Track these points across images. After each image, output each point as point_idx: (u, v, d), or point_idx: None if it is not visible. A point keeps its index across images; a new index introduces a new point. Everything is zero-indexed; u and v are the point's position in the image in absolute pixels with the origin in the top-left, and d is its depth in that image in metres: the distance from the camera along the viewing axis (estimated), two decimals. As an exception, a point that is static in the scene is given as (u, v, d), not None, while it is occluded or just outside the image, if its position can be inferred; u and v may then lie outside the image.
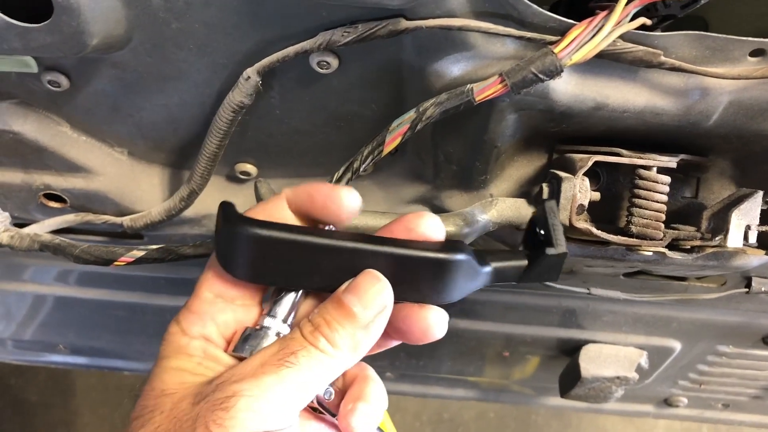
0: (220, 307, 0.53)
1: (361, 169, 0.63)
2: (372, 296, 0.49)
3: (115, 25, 0.58)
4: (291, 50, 0.60)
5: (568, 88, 0.60)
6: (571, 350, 1.05)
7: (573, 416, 2.67)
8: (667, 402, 1.20)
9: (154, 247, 0.64)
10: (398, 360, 1.14)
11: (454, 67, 0.60)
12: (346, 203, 0.52)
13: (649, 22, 0.57)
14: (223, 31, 0.59)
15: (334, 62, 0.62)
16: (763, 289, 0.84)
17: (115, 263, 0.65)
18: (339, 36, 0.57)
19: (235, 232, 0.49)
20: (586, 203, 0.65)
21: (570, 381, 1.03)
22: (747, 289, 0.85)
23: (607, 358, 1.01)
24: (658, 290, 0.88)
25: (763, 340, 1.02)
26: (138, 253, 0.64)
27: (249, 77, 0.62)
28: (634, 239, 0.66)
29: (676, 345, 1.03)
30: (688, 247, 0.68)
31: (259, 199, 0.62)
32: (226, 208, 0.51)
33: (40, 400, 2.61)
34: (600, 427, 2.64)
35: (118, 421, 2.61)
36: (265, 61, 0.61)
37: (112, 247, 0.65)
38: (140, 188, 0.80)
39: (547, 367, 1.14)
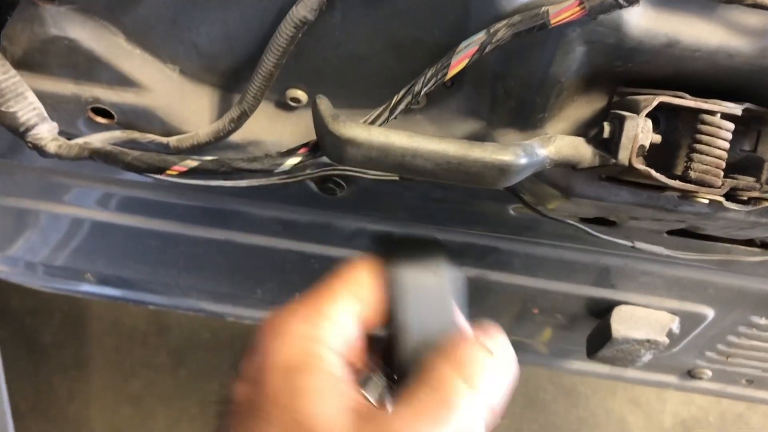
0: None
1: (423, 92, 0.62)
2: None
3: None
4: (361, -36, 0.59)
5: (641, 22, 0.59)
6: (601, 311, 1.05)
7: (581, 396, 2.67)
8: (691, 374, 1.20)
9: (209, 158, 0.64)
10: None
11: (526, -9, 0.59)
12: None
13: (733, -46, 0.56)
14: (293, -60, 0.58)
15: (403, -19, 0.61)
16: (809, 255, 0.83)
17: (168, 171, 0.64)
18: (412, -50, 0.56)
19: None
20: (647, 144, 0.63)
21: (599, 341, 1.03)
22: (793, 254, 0.84)
23: (639, 320, 1.00)
24: (701, 251, 0.87)
25: (799, 312, 1.01)
26: (192, 163, 0.64)
27: (315, -10, 0.61)
28: (692, 185, 0.64)
29: (710, 312, 1.02)
30: (745, 198, 0.67)
31: (317, 113, 0.61)
32: None
33: (54, 341, 2.64)
34: (608, 409, 2.64)
35: (128, 368, 2.64)
36: (334, -26, 0.60)
37: (165, 155, 0.64)
38: (189, 108, 0.79)
39: (572, 329, 1.13)
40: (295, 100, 0.78)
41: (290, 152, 0.64)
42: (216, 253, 1.06)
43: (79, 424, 2.55)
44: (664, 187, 0.65)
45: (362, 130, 0.60)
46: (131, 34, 0.73)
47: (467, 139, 0.76)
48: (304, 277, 1.09)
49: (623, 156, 0.63)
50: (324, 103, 0.61)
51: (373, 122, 0.64)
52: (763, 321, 1.02)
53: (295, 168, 0.65)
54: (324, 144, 0.62)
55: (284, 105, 0.80)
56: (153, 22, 0.70)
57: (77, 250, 1.11)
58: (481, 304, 1.10)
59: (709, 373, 1.18)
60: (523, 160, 0.62)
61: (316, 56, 0.72)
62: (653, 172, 0.64)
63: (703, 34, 0.60)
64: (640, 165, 0.63)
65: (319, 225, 0.97)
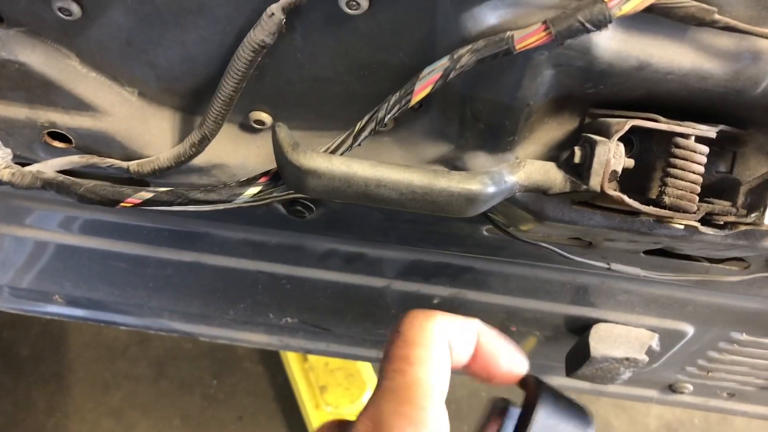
0: None
1: (386, 119, 0.60)
2: None
3: (135, -53, 0.54)
4: (320, -14, 0.56)
5: (611, 44, 0.57)
6: (579, 329, 1.03)
7: (566, 401, 2.65)
8: (672, 388, 1.18)
9: (164, 189, 0.61)
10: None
11: (491, 15, 0.56)
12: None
13: (704, -24, 0.54)
14: (249, -38, 0.56)
15: (365, 3, 0.58)
16: (787, 274, 0.81)
17: (122, 204, 0.61)
18: (372, -27, 0.54)
19: None
20: (619, 169, 0.61)
21: (578, 360, 1.01)
22: (772, 274, 0.82)
23: (617, 338, 0.98)
24: (679, 270, 0.85)
25: (779, 329, 0.99)
26: (146, 195, 0.61)
27: (273, 14, 0.58)
28: (667, 210, 0.63)
29: (689, 329, 1.00)
30: (721, 222, 0.65)
31: (277, 143, 0.59)
32: None
33: (33, 354, 2.60)
34: (594, 413, 2.62)
35: (109, 379, 2.60)
36: (292, -3, 0.58)
37: (119, 187, 0.62)
38: (149, 132, 0.76)
39: (551, 345, 1.11)
40: (259, 122, 0.76)
41: (249, 182, 0.62)
42: (186, 274, 1.03)
43: (59, 438, 2.51)
44: (638, 212, 0.63)
45: (323, 160, 0.57)
46: (85, 57, 0.70)
47: (436, 161, 0.75)
48: (277, 298, 1.07)
49: (595, 182, 0.61)
50: (283, 132, 0.59)
51: (336, 149, 0.61)
52: (743, 337, 1.01)
53: (255, 198, 0.62)
54: (284, 174, 0.60)
55: (248, 127, 0.77)
56: (107, 45, 0.68)
57: (43, 273, 1.08)
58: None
59: (690, 387, 1.16)
60: (491, 189, 0.60)
61: (279, 78, 0.70)
62: (626, 198, 0.62)
63: (675, 56, 0.58)
64: (612, 191, 0.61)
65: (289, 246, 0.94)
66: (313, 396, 2.34)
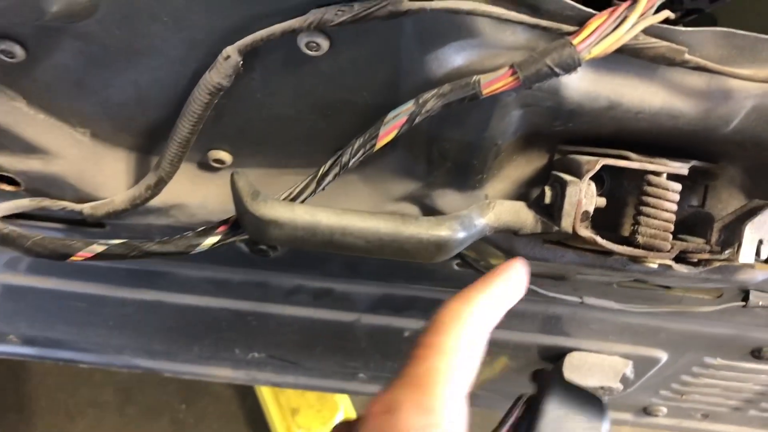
0: None
1: (351, 163, 0.57)
2: None
3: (79, -10, 0.51)
4: (277, 29, 0.54)
5: (580, 85, 0.55)
6: (553, 357, 1.01)
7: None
8: (646, 411, 1.17)
9: (116, 242, 0.58)
10: (372, 361, 1.09)
11: (457, 56, 0.54)
12: None
13: (673, 15, 0.52)
14: (202, 4, 0.53)
15: (325, 44, 0.56)
16: (760, 303, 0.80)
17: (72, 258, 0.58)
18: (332, 15, 0.52)
19: None
20: (591, 210, 0.60)
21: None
22: (744, 303, 0.81)
23: (591, 366, 0.97)
24: (652, 300, 0.84)
25: (751, 353, 0.98)
26: (98, 248, 0.58)
27: (229, 56, 0.56)
28: (640, 250, 0.61)
29: (663, 355, 0.99)
30: (695, 260, 0.64)
31: (235, 192, 0.56)
32: None
33: (-8, 384, 2.52)
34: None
35: (73, 407, 2.53)
36: (248, 39, 0.55)
37: (68, 240, 0.58)
38: (103, 173, 0.73)
39: (525, 374, 1.09)
40: (219, 161, 0.73)
41: (207, 231, 0.59)
42: (147, 313, 1.00)
43: (22, 471, 2.43)
44: (611, 252, 0.62)
45: (285, 209, 0.55)
46: (32, 99, 0.66)
47: (404, 199, 0.73)
48: (243, 333, 1.04)
49: (566, 223, 0.59)
50: (242, 180, 0.56)
51: (299, 195, 0.59)
52: (716, 361, 1.00)
53: (214, 247, 0.59)
54: (244, 223, 0.57)
55: (208, 166, 0.74)
56: (55, 87, 0.64)
57: (-6, 314, 1.04)
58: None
59: (665, 410, 1.16)
60: (461, 234, 0.58)
61: (238, 118, 0.67)
62: (598, 239, 0.60)
63: (645, 96, 0.56)
64: (584, 232, 0.60)
65: (254, 283, 0.91)
66: (284, 418, 2.30)
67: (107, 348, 1.11)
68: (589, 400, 0.61)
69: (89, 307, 0.99)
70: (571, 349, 0.98)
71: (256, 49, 0.56)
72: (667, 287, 0.81)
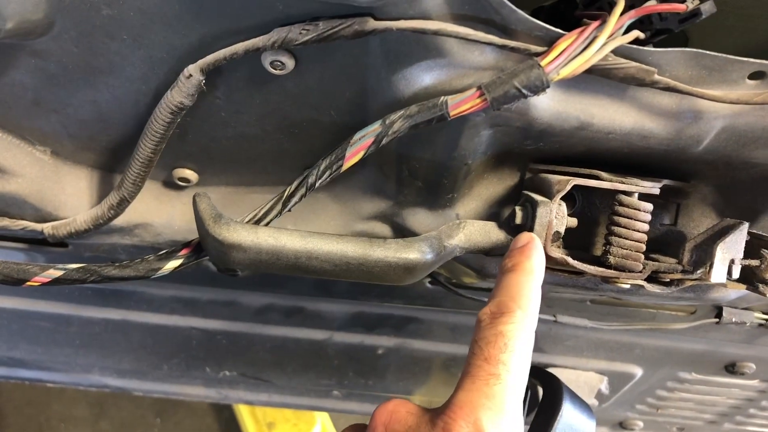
0: None
1: (317, 184, 0.56)
2: None
3: (33, 8, 0.49)
4: (240, 47, 0.52)
5: (550, 105, 0.54)
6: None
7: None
8: (623, 425, 1.17)
9: (74, 266, 0.56)
10: (346, 379, 1.07)
11: (425, 76, 0.53)
12: None
13: (642, 35, 0.52)
14: (162, 22, 0.51)
15: (290, 63, 0.54)
16: (733, 319, 0.80)
17: (28, 283, 0.56)
18: (296, 34, 0.50)
19: None
20: (562, 230, 0.59)
21: (528, 407, 0.98)
22: (717, 320, 0.81)
23: (567, 383, 0.96)
24: (626, 317, 0.83)
25: (725, 368, 0.98)
26: (55, 273, 0.56)
27: (191, 75, 0.54)
28: (612, 270, 0.60)
29: (638, 371, 0.99)
30: (667, 279, 0.63)
31: (197, 214, 0.54)
32: None
33: (-41, 400, 2.46)
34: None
35: (45, 422, 2.48)
36: (210, 58, 0.53)
37: (24, 264, 0.56)
38: (65, 192, 0.71)
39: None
40: (184, 179, 0.71)
41: (169, 255, 0.57)
42: (114, 332, 0.97)
43: (-9, 489, 2.37)
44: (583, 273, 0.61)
45: (248, 233, 0.53)
46: (-12, 117, 0.64)
47: (374, 218, 0.71)
48: (213, 352, 1.02)
49: (537, 244, 0.58)
50: (204, 203, 0.54)
51: (264, 216, 0.57)
52: (691, 376, 1.00)
53: (177, 271, 0.58)
54: (207, 247, 0.55)
55: (173, 184, 0.72)
56: (12, 104, 0.62)
57: (-45, 334, 1.01)
58: (405, 371, 1.04)
59: (641, 424, 1.15)
60: (429, 257, 0.56)
61: (203, 136, 0.65)
62: (570, 260, 0.59)
63: (616, 116, 0.55)
64: (555, 253, 0.59)
65: (223, 302, 0.89)
66: (260, 432, 2.27)
67: (75, 367, 1.09)
68: (586, 406, 0.65)
69: (54, 326, 0.97)
70: (546, 365, 0.97)
71: (219, 68, 0.54)
72: (643, 306, 0.81)
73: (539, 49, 0.50)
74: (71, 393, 2.53)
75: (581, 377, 0.97)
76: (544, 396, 0.70)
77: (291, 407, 1.18)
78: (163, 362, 1.05)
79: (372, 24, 0.49)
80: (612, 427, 1.18)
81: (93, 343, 1.00)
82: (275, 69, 0.55)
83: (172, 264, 0.57)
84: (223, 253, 0.53)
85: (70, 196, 0.72)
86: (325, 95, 0.59)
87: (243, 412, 2.32)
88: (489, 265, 0.67)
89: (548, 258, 0.59)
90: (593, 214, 0.67)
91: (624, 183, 0.60)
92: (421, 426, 0.49)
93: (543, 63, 0.48)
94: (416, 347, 0.97)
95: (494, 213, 0.67)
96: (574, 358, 0.96)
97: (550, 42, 0.50)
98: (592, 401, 0.97)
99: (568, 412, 0.64)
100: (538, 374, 0.70)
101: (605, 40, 0.48)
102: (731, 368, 0.97)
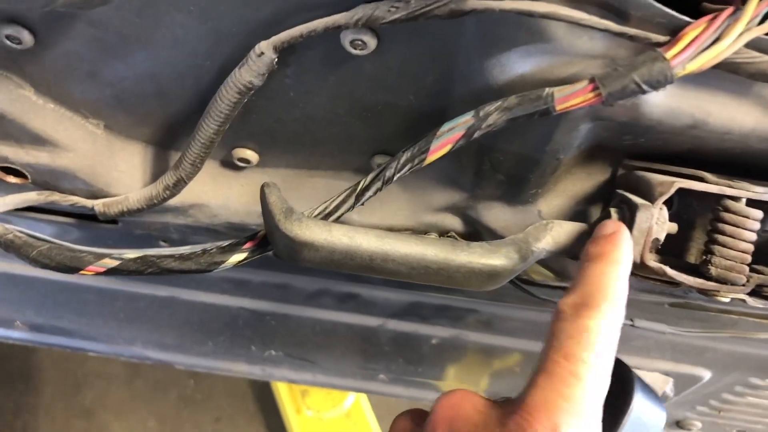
0: None
1: (395, 178, 0.51)
2: None
3: (95, -26, 0.44)
4: (320, 24, 0.47)
5: (663, 101, 0.48)
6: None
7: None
8: (679, 425, 1.12)
9: (131, 256, 0.52)
10: (395, 365, 1.03)
11: (523, 62, 0.47)
12: None
13: (779, 25, 0.45)
14: (234, -7, 0.47)
15: (372, 42, 0.49)
16: (824, 331, 0.74)
17: (82, 272, 0.52)
18: (384, 11, 0.45)
19: None
20: (662, 237, 0.53)
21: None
22: (807, 331, 0.75)
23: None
24: (704, 321, 0.77)
25: (802, 376, 0.92)
26: (111, 263, 0.52)
27: (262, 53, 0.49)
28: (713, 283, 0.54)
29: (706, 374, 0.93)
30: (772, 294, 0.57)
31: (266, 207, 0.50)
32: None
33: (-1, 352, 2.49)
34: None
35: (80, 378, 2.50)
36: (285, 35, 0.48)
37: (78, 252, 0.52)
38: (117, 168, 0.67)
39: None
40: (244, 160, 0.66)
41: (233, 248, 0.53)
42: (160, 308, 0.94)
43: (28, 439, 2.41)
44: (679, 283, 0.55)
45: (322, 231, 0.49)
46: (41, 88, 0.60)
47: (446, 210, 0.66)
48: (260, 332, 0.98)
49: (635, 252, 0.52)
50: (273, 195, 0.50)
51: (335, 210, 0.52)
52: (764, 382, 0.94)
53: (240, 265, 0.53)
54: (275, 242, 0.51)
55: (231, 164, 0.68)
56: (66, 76, 0.58)
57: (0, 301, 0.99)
58: (460, 363, 1.00)
59: (699, 425, 1.10)
60: (516, 263, 0.51)
61: (268, 116, 0.61)
62: (668, 270, 0.53)
63: (736, 115, 0.49)
64: (653, 262, 0.53)
65: (275, 285, 0.86)
66: (293, 400, 2.27)
67: (117, 339, 1.06)
68: (657, 397, 0.61)
69: (99, 299, 0.94)
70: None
71: (293, 46, 0.49)
72: (724, 311, 0.75)
73: (661, 38, 0.44)
74: (108, 351, 2.55)
75: (646, 378, 0.91)
76: (613, 384, 0.66)
77: (334, 388, 1.15)
78: (208, 339, 1.02)
79: (471, 3, 0.43)
80: (668, 426, 1.13)
81: (137, 318, 0.98)
82: (355, 49, 0.50)
83: (236, 258, 0.53)
84: (293, 250, 0.49)
85: (122, 172, 0.68)
86: (406, 78, 0.53)
87: (277, 378, 2.31)
88: (571, 267, 0.62)
89: (644, 267, 0.53)
90: (690, 217, 0.61)
91: (732, 187, 0.54)
92: (489, 425, 0.45)
93: (668, 55, 0.42)
94: (473, 339, 0.93)
95: (580, 211, 0.62)
96: (639, 358, 0.91)
97: (674, 31, 0.44)
98: (657, 404, 0.92)
99: (639, 404, 0.59)
100: None
101: (742, 30, 0.42)
102: (809, 376, 0.92)
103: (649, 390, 0.63)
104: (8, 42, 0.53)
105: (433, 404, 0.49)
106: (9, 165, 0.66)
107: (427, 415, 0.49)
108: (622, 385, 0.63)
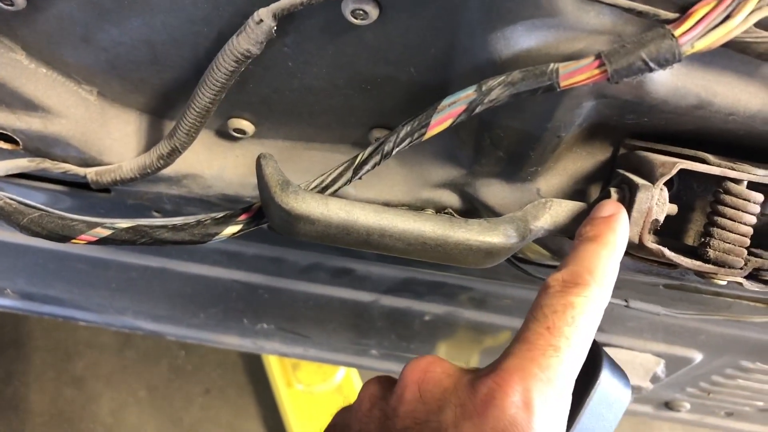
0: None
1: (394, 152, 0.50)
2: None
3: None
4: (321, -8, 0.46)
5: (669, 79, 0.48)
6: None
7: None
8: (668, 405, 1.12)
9: (124, 225, 0.51)
10: (387, 341, 1.03)
11: (529, 36, 0.46)
12: None
13: (789, 5, 0.44)
14: (233, -43, 0.45)
15: (374, 12, 0.48)
16: (819, 315, 0.74)
17: (73, 241, 0.51)
18: (387, -20, 0.44)
19: None
20: (662, 218, 0.53)
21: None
22: (802, 315, 0.75)
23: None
24: (698, 303, 0.77)
25: (793, 359, 0.93)
26: (103, 232, 0.51)
27: (261, 20, 0.48)
28: (710, 266, 0.54)
29: (698, 356, 0.94)
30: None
31: (262, 179, 0.49)
32: None
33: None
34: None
35: (71, 347, 2.49)
36: (285, 2, 0.47)
37: (70, 220, 0.51)
38: (111, 136, 0.66)
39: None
40: (240, 131, 0.65)
41: (227, 219, 0.52)
42: (152, 278, 0.94)
43: (18, 406, 2.41)
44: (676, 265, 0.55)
45: (318, 204, 0.48)
46: (33, 51, 0.59)
47: (443, 186, 0.66)
48: (253, 305, 0.98)
49: (633, 232, 0.52)
50: (270, 166, 0.49)
51: (332, 183, 0.51)
52: (754, 365, 0.94)
53: (234, 237, 0.53)
54: (270, 215, 0.50)
55: (226, 134, 0.67)
56: (59, 40, 0.56)
57: (-12, 268, 0.98)
58: (452, 339, 1.00)
59: (688, 405, 1.11)
60: (514, 241, 0.51)
61: (265, 86, 0.59)
62: (666, 252, 0.53)
63: (742, 96, 0.48)
64: (652, 244, 0.52)
65: (269, 258, 0.85)
66: (284, 373, 2.27)
67: (108, 309, 1.06)
68: (624, 375, 0.62)
69: (91, 269, 0.93)
70: (602, 344, 0.92)
71: (292, 14, 0.48)
72: (718, 294, 0.75)
73: (670, 15, 0.43)
74: (98, 320, 2.54)
75: (637, 359, 0.92)
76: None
77: (326, 362, 1.15)
78: (200, 311, 1.02)
79: (477, -26, 0.42)
80: (657, 406, 1.14)
81: (129, 288, 0.97)
82: (356, 18, 0.48)
83: (231, 230, 0.52)
84: (289, 223, 0.48)
85: (116, 140, 0.66)
86: (407, 50, 0.52)
87: (268, 351, 2.32)
88: (568, 246, 0.62)
89: (643, 248, 0.53)
90: (689, 199, 0.60)
91: (734, 170, 0.53)
92: (459, 389, 0.45)
93: (677, 32, 0.41)
94: (467, 317, 0.92)
95: (579, 190, 0.61)
96: (631, 339, 0.91)
97: (683, 8, 0.43)
98: (647, 384, 0.92)
99: (606, 381, 0.60)
100: None
101: (753, 8, 0.41)
102: (800, 360, 0.92)
103: (616, 367, 0.64)
104: (0, 3, 0.52)
105: (402, 369, 0.49)
106: (0, 131, 0.65)
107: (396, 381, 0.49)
108: (591, 361, 0.63)
